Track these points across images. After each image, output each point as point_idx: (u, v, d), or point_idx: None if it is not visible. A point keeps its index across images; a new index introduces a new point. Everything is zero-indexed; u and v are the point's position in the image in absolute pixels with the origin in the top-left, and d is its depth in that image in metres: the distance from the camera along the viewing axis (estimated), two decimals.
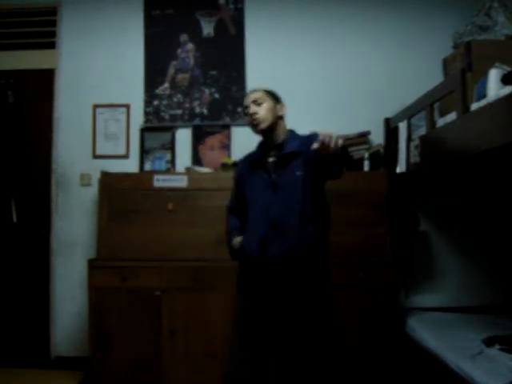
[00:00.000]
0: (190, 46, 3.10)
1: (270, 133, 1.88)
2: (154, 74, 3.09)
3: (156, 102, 3.08)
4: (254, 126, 1.87)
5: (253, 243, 1.81)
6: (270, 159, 1.88)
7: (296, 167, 1.81)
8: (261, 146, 1.96)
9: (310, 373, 1.76)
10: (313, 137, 1.74)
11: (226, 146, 3.04)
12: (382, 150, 2.83)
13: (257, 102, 1.86)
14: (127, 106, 3.09)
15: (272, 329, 1.81)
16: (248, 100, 1.89)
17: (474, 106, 1.77)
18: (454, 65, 2.61)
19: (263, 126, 1.85)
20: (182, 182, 2.69)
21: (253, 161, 1.93)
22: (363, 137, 2.83)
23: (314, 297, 1.79)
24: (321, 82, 3.02)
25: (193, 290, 2.51)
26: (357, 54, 3.02)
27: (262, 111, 1.85)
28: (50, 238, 3.06)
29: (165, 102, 3.08)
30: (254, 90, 1.92)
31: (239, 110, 3.04)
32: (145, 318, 2.52)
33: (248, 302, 1.83)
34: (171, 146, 3.06)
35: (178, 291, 2.52)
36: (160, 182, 2.69)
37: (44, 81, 3.12)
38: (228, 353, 1.87)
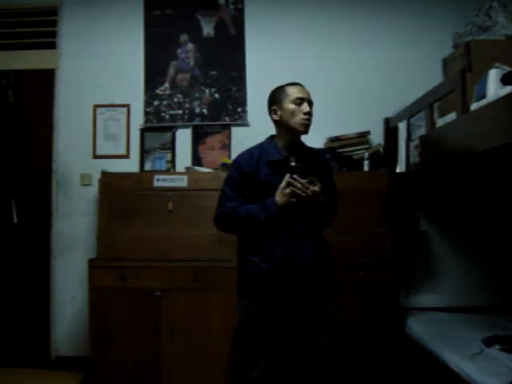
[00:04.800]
0: (189, 46, 3.10)
1: (299, 137, 1.84)
2: (154, 74, 3.09)
3: (156, 102, 3.08)
4: (305, 125, 1.77)
5: (282, 248, 1.71)
6: (293, 163, 1.77)
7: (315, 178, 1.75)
8: (277, 146, 1.81)
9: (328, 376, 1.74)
10: (322, 154, 1.86)
11: (226, 146, 3.04)
12: (381, 150, 2.83)
13: (310, 104, 1.81)
14: (127, 106, 3.09)
15: (292, 336, 1.77)
16: (305, 95, 1.80)
17: (474, 106, 1.77)
18: (454, 65, 2.62)
19: (308, 131, 1.80)
20: (182, 182, 2.69)
21: (273, 161, 1.76)
22: (363, 137, 2.83)
23: (334, 301, 1.82)
24: (321, 81, 3.00)
25: (193, 289, 2.51)
26: (357, 53, 3.02)
27: (312, 115, 1.81)
28: (50, 238, 3.06)
29: (165, 102, 3.08)
30: (305, 88, 1.84)
31: (239, 109, 3.04)
32: (145, 318, 2.51)
33: (267, 309, 1.72)
34: (171, 146, 3.06)
35: (178, 291, 2.51)
36: (160, 181, 2.69)
37: (44, 81, 3.12)
38: (234, 361, 1.77)
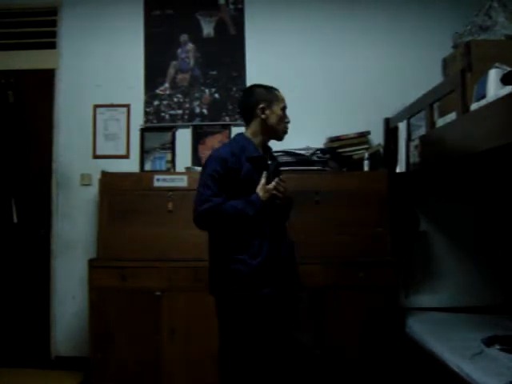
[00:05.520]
0: (190, 46, 3.10)
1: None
2: (154, 74, 3.09)
3: (156, 102, 3.08)
4: (285, 133, 1.90)
5: (267, 245, 1.76)
6: (269, 161, 1.90)
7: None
8: (253, 143, 1.85)
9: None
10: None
11: None
12: (381, 150, 2.83)
13: None
14: (127, 106, 3.09)
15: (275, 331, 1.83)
16: (285, 103, 1.90)
17: (474, 106, 1.77)
18: (454, 65, 2.61)
19: None
20: (182, 182, 2.69)
21: (254, 157, 1.81)
22: (363, 137, 2.83)
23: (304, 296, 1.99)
24: (321, 82, 3.02)
25: (193, 289, 2.51)
26: (357, 53, 3.02)
27: None
28: (50, 238, 3.06)
29: (165, 102, 3.08)
30: None
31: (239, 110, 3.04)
32: (145, 318, 2.52)
33: (257, 307, 1.74)
34: (171, 146, 3.06)
35: (178, 291, 2.52)
36: (160, 181, 2.69)
37: (44, 81, 3.11)
38: (234, 369, 1.76)
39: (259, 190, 1.74)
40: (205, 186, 1.77)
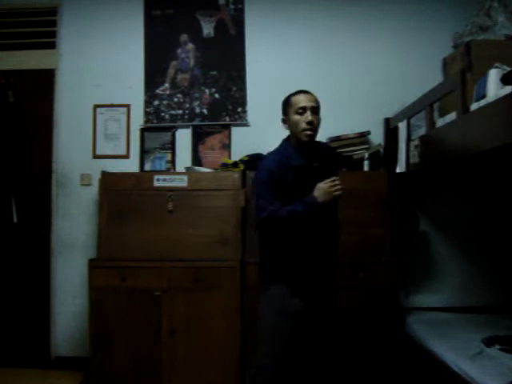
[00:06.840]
0: (190, 46, 3.10)
1: (310, 143, 1.89)
2: (154, 74, 3.09)
3: (156, 102, 3.08)
4: (308, 135, 1.82)
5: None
6: (315, 164, 1.89)
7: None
8: (295, 149, 1.88)
9: None
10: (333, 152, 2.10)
11: (226, 146, 3.04)
12: (381, 150, 2.83)
13: (314, 110, 1.84)
14: (127, 106, 3.09)
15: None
16: (308, 103, 1.83)
17: (474, 106, 1.77)
18: (454, 65, 2.61)
19: (313, 139, 1.88)
20: (182, 182, 2.69)
21: (296, 166, 1.84)
22: (363, 137, 2.83)
23: None
24: (321, 81, 3.00)
25: (193, 289, 2.51)
26: (357, 54, 3.02)
27: (317, 122, 1.85)
28: (50, 238, 3.06)
29: (165, 102, 3.08)
30: (310, 94, 1.87)
31: (239, 109, 3.04)
32: (145, 318, 2.51)
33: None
34: (171, 146, 3.06)
35: (178, 291, 2.52)
36: (160, 181, 2.69)
37: (44, 81, 3.11)
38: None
39: (320, 193, 1.78)
40: (260, 196, 1.85)
